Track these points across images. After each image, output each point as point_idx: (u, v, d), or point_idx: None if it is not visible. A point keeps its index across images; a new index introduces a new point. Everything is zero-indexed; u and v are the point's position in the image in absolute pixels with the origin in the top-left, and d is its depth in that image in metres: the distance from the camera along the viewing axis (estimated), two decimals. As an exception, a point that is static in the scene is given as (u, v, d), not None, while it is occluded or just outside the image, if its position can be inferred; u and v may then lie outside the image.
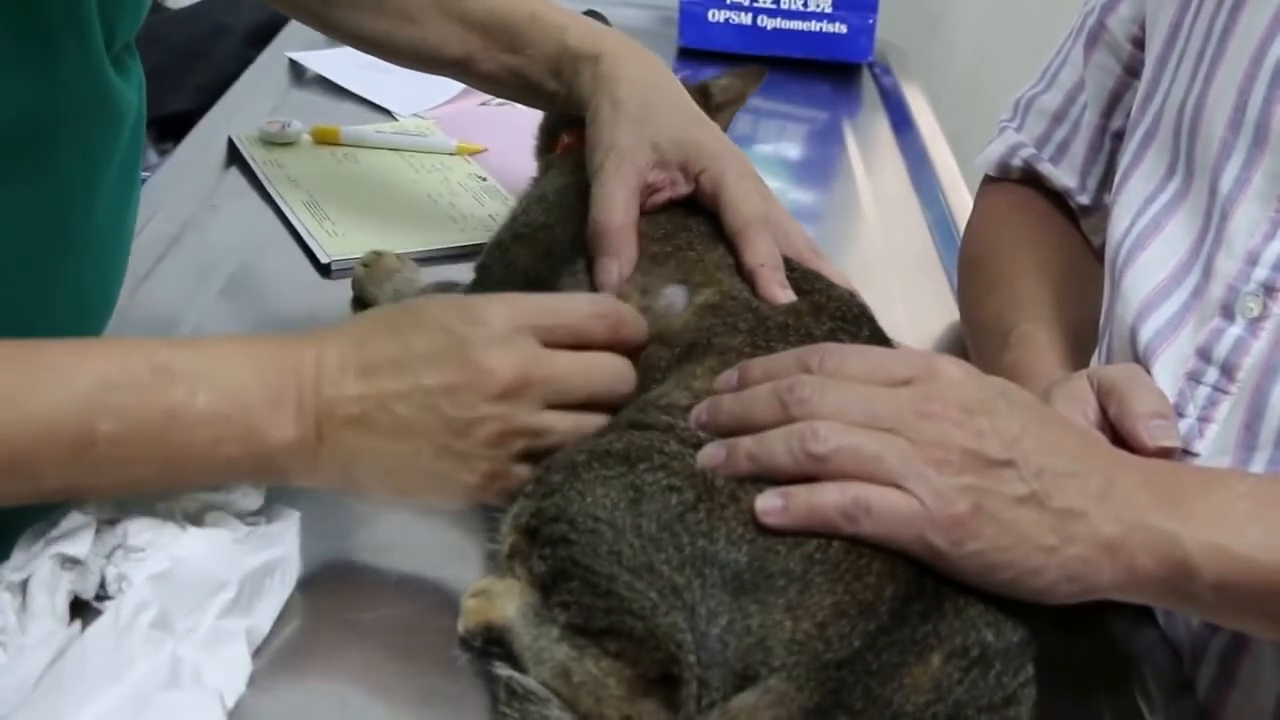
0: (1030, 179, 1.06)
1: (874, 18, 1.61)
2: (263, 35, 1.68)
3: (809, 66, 1.62)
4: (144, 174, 1.01)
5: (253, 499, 0.75)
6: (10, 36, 0.75)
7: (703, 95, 1.01)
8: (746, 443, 0.67)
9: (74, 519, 0.70)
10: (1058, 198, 1.04)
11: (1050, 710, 0.66)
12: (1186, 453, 0.77)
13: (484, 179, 1.24)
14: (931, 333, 1.10)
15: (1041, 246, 1.01)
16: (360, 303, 1.01)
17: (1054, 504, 0.64)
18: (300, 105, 1.38)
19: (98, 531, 0.71)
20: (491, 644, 0.70)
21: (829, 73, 1.62)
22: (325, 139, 1.27)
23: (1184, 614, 0.80)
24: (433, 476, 0.73)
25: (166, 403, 0.69)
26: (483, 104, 1.38)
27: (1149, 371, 0.80)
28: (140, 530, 0.71)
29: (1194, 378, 0.78)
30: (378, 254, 1.03)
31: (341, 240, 1.10)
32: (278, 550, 0.72)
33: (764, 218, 0.85)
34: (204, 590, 0.69)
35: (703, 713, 0.61)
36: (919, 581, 0.64)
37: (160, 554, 0.70)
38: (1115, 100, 1.00)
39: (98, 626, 0.66)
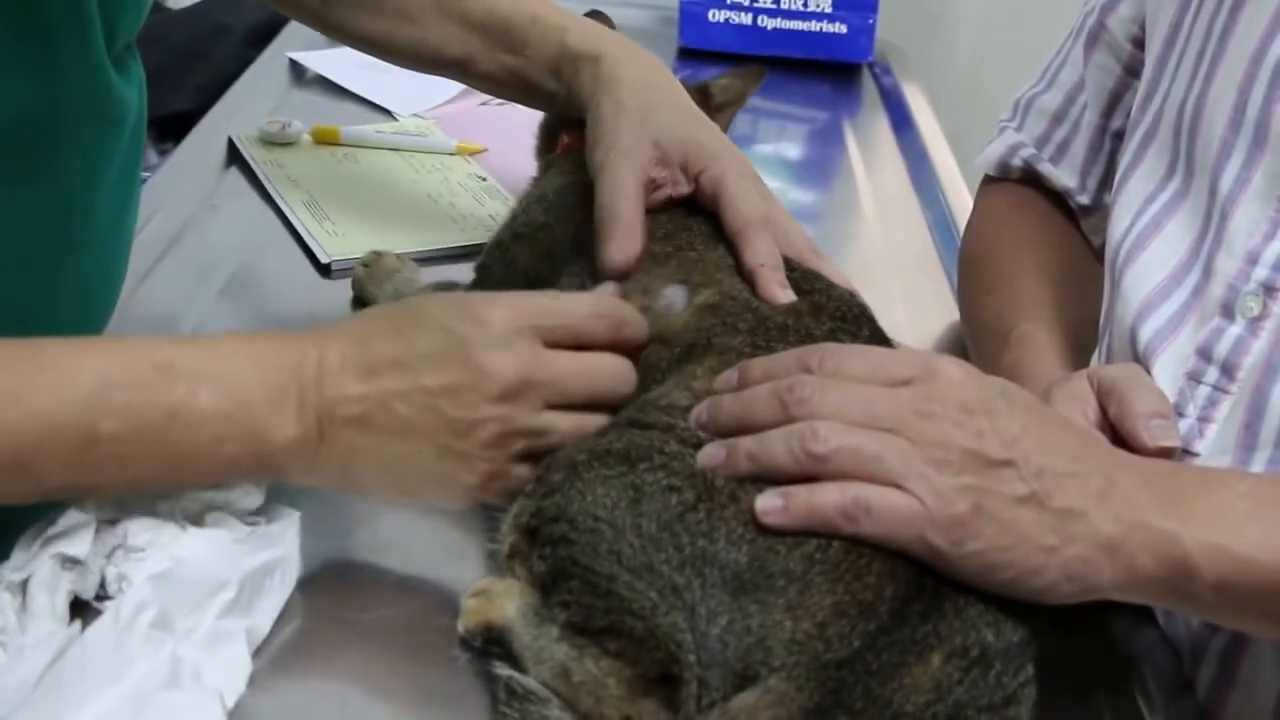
0: (1030, 179, 1.06)
1: (874, 18, 1.61)
2: (263, 35, 1.68)
3: (809, 66, 1.62)
4: (144, 174, 1.01)
5: (253, 497, 0.75)
6: (11, 37, 0.75)
7: (702, 96, 1.01)
8: (746, 443, 0.67)
9: (72, 517, 0.70)
10: (1058, 198, 1.04)
11: (1050, 710, 0.66)
12: (1186, 452, 0.77)
13: (484, 179, 1.24)
14: (931, 333, 1.10)
15: (1041, 246, 1.01)
16: (360, 303, 1.01)
17: (1054, 504, 0.64)
18: (300, 105, 1.38)
19: (97, 531, 0.71)
20: (491, 644, 0.70)
21: (829, 73, 1.62)
22: (325, 139, 1.27)
23: (1184, 614, 0.80)
24: (433, 476, 0.73)
25: (168, 401, 0.69)
26: (483, 104, 1.38)
27: (1149, 371, 0.80)
28: (140, 530, 0.71)
29: (1194, 377, 0.78)
30: (378, 254, 1.03)
31: (341, 240, 1.10)
32: (278, 550, 0.72)
33: (764, 218, 0.85)
34: (204, 590, 0.69)
35: (703, 712, 0.61)
36: (919, 581, 0.64)
37: (160, 554, 0.70)
38: (1115, 100, 1.00)
39: (98, 626, 0.66)
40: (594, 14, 1.05)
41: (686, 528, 0.65)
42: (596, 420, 0.74)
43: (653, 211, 0.87)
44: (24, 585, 0.68)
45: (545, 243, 0.90)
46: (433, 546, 0.79)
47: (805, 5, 1.60)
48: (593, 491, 0.67)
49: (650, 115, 0.90)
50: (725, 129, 1.00)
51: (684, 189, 0.88)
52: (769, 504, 0.65)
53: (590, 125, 0.92)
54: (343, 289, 1.03)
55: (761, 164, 0.95)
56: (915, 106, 1.53)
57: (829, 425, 0.66)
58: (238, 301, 1.04)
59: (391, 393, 0.71)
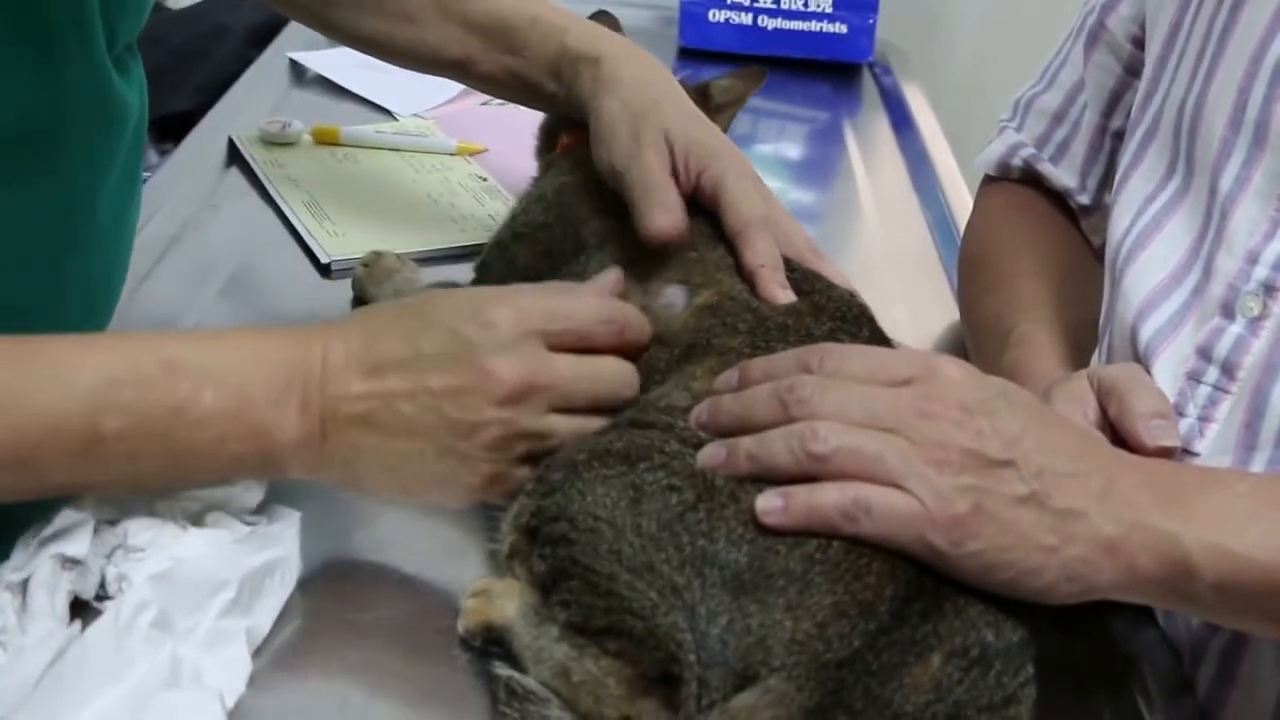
0: (1030, 179, 1.06)
1: (874, 18, 1.61)
2: (263, 35, 1.68)
3: (809, 66, 1.62)
4: (144, 174, 1.01)
5: (254, 493, 0.75)
6: (12, 38, 0.75)
7: (702, 96, 1.01)
8: (746, 443, 0.67)
9: (68, 516, 0.70)
10: (1058, 198, 1.04)
11: (1050, 710, 0.66)
12: (1187, 452, 0.77)
13: (484, 179, 1.24)
14: (931, 333, 1.10)
15: (1041, 246, 1.01)
16: (360, 303, 1.01)
17: (1054, 504, 0.64)
18: (300, 105, 1.38)
19: (97, 531, 0.71)
20: (491, 644, 0.70)
21: (829, 73, 1.62)
22: (325, 139, 1.27)
23: (1184, 614, 0.80)
24: (435, 476, 0.73)
25: (173, 399, 0.69)
26: (483, 104, 1.38)
27: (1149, 371, 0.80)
28: (140, 530, 0.71)
29: (1194, 377, 0.78)
30: (378, 254, 1.03)
31: (341, 240, 1.11)
32: (278, 550, 0.72)
33: (764, 218, 0.85)
34: (204, 590, 0.69)
35: (703, 712, 0.61)
36: (919, 581, 0.64)
37: (160, 554, 0.71)
38: (1115, 100, 1.00)
39: (98, 626, 0.66)
40: (600, 14, 1.05)
41: (686, 527, 0.65)
42: (598, 424, 0.74)
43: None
44: (24, 585, 0.68)
45: (545, 242, 0.90)
46: (433, 546, 0.79)
47: (805, 5, 1.60)
48: (593, 491, 0.67)
49: (652, 114, 0.90)
50: (725, 129, 1.00)
51: (684, 188, 0.88)
52: (769, 504, 0.65)
53: (592, 126, 0.92)
54: (343, 289, 1.03)
55: (761, 164, 0.95)
56: (915, 106, 1.53)
57: (829, 425, 0.66)
58: (238, 301, 1.04)
59: (395, 393, 0.71)
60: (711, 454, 0.68)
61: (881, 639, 0.62)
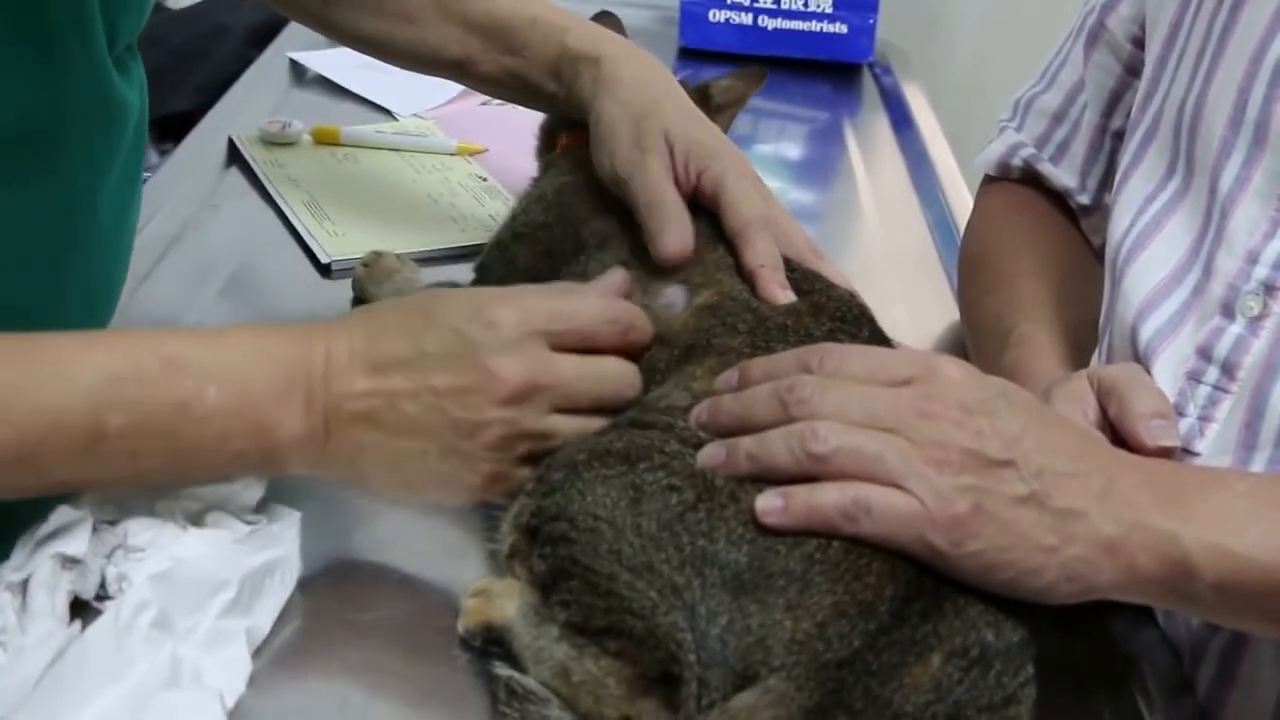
0: (1030, 179, 1.06)
1: (874, 18, 1.61)
2: (263, 35, 1.68)
3: (809, 66, 1.62)
4: (145, 174, 1.01)
5: (254, 491, 0.75)
6: (12, 38, 0.75)
7: (703, 97, 1.01)
8: (746, 443, 0.67)
9: (64, 514, 0.70)
10: (1058, 198, 1.04)
11: (1050, 710, 0.66)
12: (1187, 452, 0.77)
13: (484, 179, 1.24)
14: (931, 333, 1.10)
15: (1041, 246, 1.01)
16: (360, 303, 1.01)
17: (1054, 504, 0.64)
18: (300, 105, 1.38)
19: (97, 531, 0.71)
20: (491, 644, 0.70)
21: (829, 73, 1.62)
22: (325, 139, 1.27)
23: (1184, 614, 0.80)
24: (437, 475, 0.73)
25: (176, 396, 0.69)
26: (483, 104, 1.38)
27: (1149, 371, 0.80)
28: (140, 530, 0.71)
29: (1194, 377, 0.78)
30: (378, 254, 1.03)
31: (341, 240, 1.11)
32: (278, 550, 0.72)
33: (764, 218, 0.85)
34: (204, 590, 0.69)
35: (702, 712, 0.61)
36: (919, 581, 0.64)
37: (160, 554, 0.71)
38: (1115, 100, 1.00)
39: (98, 626, 0.66)
40: (603, 15, 1.05)
41: (686, 527, 0.65)
42: (601, 424, 0.74)
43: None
44: (24, 585, 0.68)
45: (545, 242, 0.90)
46: (433, 546, 0.79)
47: (806, 5, 1.60)
48: (593, 491, 0.67)
49: (652, 115, 0.90)
50: (726, 130, 1.00)
51: (684, 188, 0.88)
52: (769, 504, 0.65)
53: (592, 126, 0.92)
54: (343, 289, 1.03)
55: (761, 164, 0.95)
56: (915, 106, 1.53)
57: (829, 425, 0.66)
58: (238, 301, 1.04)
59: (399, 391, 0.71)
60: (711, 454, 0.68)
61: (881, 639, 0.62)
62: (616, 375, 0.76)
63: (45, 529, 0.70)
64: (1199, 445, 0.77)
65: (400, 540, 0.79)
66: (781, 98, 1.54)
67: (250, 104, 1.35)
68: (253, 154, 1.24)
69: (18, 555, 0.69)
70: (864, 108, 1.57)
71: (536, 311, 0.74)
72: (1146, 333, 0.81)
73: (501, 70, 1.01)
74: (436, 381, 0.71)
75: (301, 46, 1.48)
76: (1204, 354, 0.78)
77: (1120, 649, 0.79)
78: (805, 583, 0.63)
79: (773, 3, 1.61)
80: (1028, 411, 0.68)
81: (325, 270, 1.07)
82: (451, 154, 1.28)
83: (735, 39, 1.62)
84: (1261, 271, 0.77)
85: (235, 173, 1.23)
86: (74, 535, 0.69)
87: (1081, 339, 0.91)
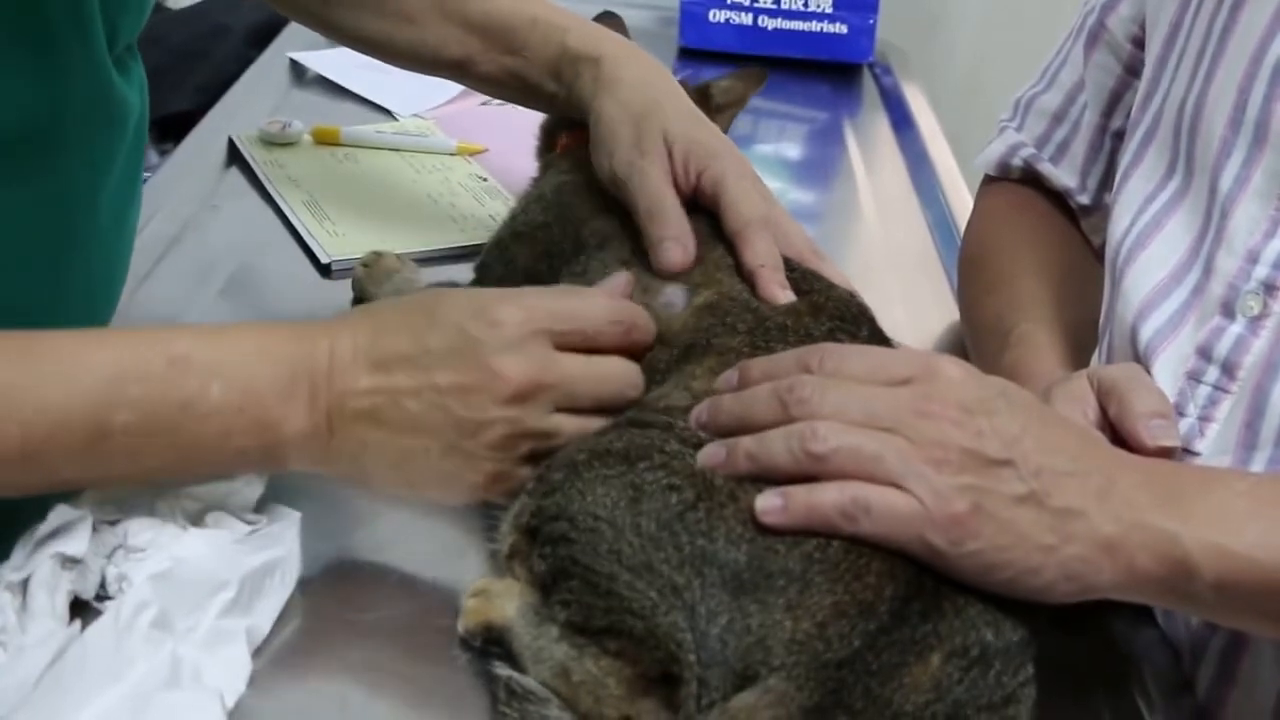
0: (1030, 179, 1.06)
1: (874, 18, 1.61)
2: (263, 35, 1.68)
3: (809, 66, 1.62)
4: (145, 174, 1.01)
5: (254, 488, 0.75)
6: (12, 38, 0.75)
7: (703, 97, 1.01)
8: (746, 442, 0.67)
9: (63, 512, 0.70)
10: (1058, 198, 1.04)
11: (1050, 710, 0.66)
12: (1187, 452, 0.77)
13: (484, 179, 1.24)
14: (931, 333, 1.10)
15: (1041, 246, 1.01)
16: (360, 303, 1.01)
17: (1053, 503, 0.64)
18: (300, 105, 1.38)
19: (97, 531, 0.71)
20: (491, 644, 0.70)
21: (829, 73, 1.62)
22: (325, 139, 1.28)
23: (1183, 613, 0.80)
24: (439, 474, 0.73)
25: (180, 394, 0.69)
26: (483, 104, 1.38)
27: (1149, 370, 0.80)
28: (140, 530, 0.71)
29: (1194, 376, 0.78)
30: (378, 254, 1.03)
31: (341, 240, 1.11)
32: (278, 550, 0.72)
33: (764, 218, 0.85)
34: (204, 590, 0.69)
35: (702, 712, 0.61)
36: (918, 581, 0.64)
37: (160, 554, 0.71)
38: (1115, 100, 1.00)
39: (98, 626, 0.66)
40: (606, 15, 1.05)
41: (686, 527, 0.65)
42: (602, 424, 0.74)
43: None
44: (24, 585, 0.68)
45: (544, 242, 0.90)
46: (433, 546, 0.79)
47: (805, 5, 1.60)
48: (592, 491, 0.67)
49: (652, 114, 0.90)
50: (725, 130, 1.00)
51: (684, 188, 0.88)
52: (768, 503, 0.65)
53: (592, 127, 0.92)
54: (343, 289, 1.03)
55: (761, 164, 0.95)
56: (915, 106, 1.53)
57: (828, 425, 0.66)
58: (238, 301, 1.04)
59: (402, 389, 0.72)
60: (711, 454, 0.68)
61: (881, 639, 0.62)
62: (619, 375, 0.76)
63: (45, 529, 0.70)
64: (1199, 445, 0.77)
65: (400, 540, 0.79)
66: (781, 98, 1.54)
67: (250, 104, 1.35)
68: (253, 154, 1.24)
69: (18, 555, 0.69)
70: (864, 108, 1.57)
71: (540, 311, 0.74)
72: (1146, 332, 0.81)
73: (501, 70, 1.01)
74: (440, 379, 0.72)
75: (301, 46, 1.48)
76: (1204, 354, 0.78)
77: (1120, 648, 0.79)
78: (805, 582, 0.63)
79: (773, 3, 1.61)
80: (1027, 411, 0.68)
81: (325, 270, 1.07)
82: (451, 154, 1.29)
83: (735, 39, 1.62)
84: (1262, 271, 0.77)
85: (235, 173, 1.23)
86: (74, 535, 0.70)
87: (1081, 339, 0.91)
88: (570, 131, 0.99)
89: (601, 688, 0.64)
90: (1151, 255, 0.84)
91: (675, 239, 0.83)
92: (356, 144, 1.28)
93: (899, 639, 0.63)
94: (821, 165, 1.46)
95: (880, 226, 1.29)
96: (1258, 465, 0.75)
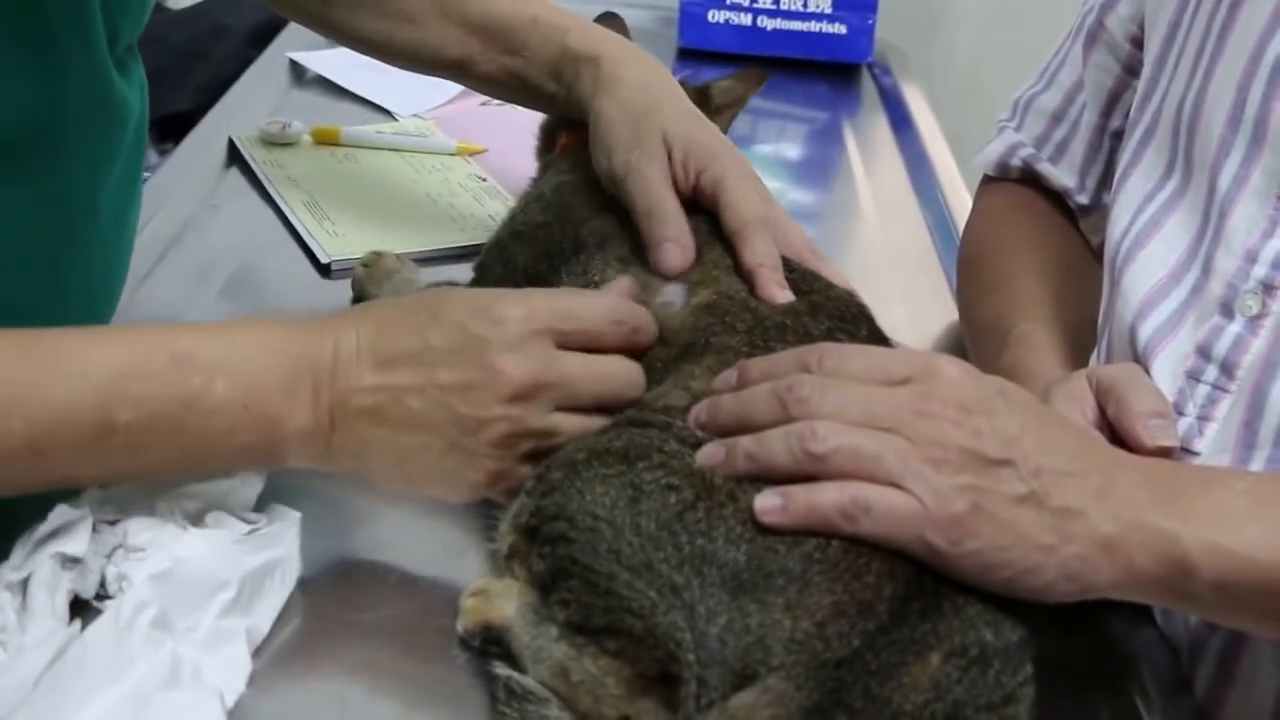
0: (1029, 179, 1.06)
1: (874, 18, 1.61)
2: (263, 35, 1.68)
3: (809, 67, 1.62)
4: (145, 174, 1.01)
5: (254, 486, 0.75)
6: (12, 38, 0.75)
7: (703, 98, 1.01)
8: (745, 442, 0.67)
9: (63, 512, 0.70)
10: (1057, 197, 1.04)
11: (1049, 709, 0.66)
12: (1186, 451, 0.77)
13: (484, 179, 1.24)
14: (931, 333, 1.10)
15: (1040, 246, 1.01)
16: (360, 303, 1.01)
17: (1052, 503, 0.64)
18: (300, 105, 1.38)
19: (97, 531, 0.71)
20: (490, 643, 0.70)
21: (829, 73, 1.62)
22: (325, 139, 1.28)
23: (1182, 613, 0.80)
24: (440, 471, 0.73)
25: (184, 391, 0.69)
26: (483, 104, 1.38)
27: (1148, 370, 0.80)
28: (140, 530, 0.71)
29: (1193, 376, 0.78)
30: (378, 254, 1.03)
31: (341, 240, 1.11)
32: (278, 550, 0.72)
33: (763, 218, 0.85)
34: (204, 590, 0.69)
35: (702, 712, 0.61)
36: (918, 581, 0.64)
37: (160, 554, 0.71)
38: (1114, 100, 1.00)
39: (98, 626, 0.66)
40: (607, 15, 1.05)
41: (685, 526, 0.65)
42: (603, 423, 0.74)
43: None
44: (24, 584, 0.68)
45: (544, 241, 0.90)
46: (433, 546, 0.79)
47: (805, 6, 1.61)
48: (592, 490, 0.67)
49: (652, 114, 0.90)
50: (725, 131, 1.00)
51: (684, 188, 0.88)
52: (768, 503, 0.65)
53: (592, 127, 0.92)
54: (343, 289, 1.03)
55: (761, 164, 0.95)
56: (915, 106, 1.53)
57: (828, 425, 0.66)
58: (238, 301, 1.04)
59: (405, 387, 0.72)
60: (710, 453, 0.68)
61: (880, 638, 0.62)
62: (621, 375, 0.76)
63: (45, 528, 0.70)
64: (1198, 444, 0.77)
65: (400, 540, 0.79)
66: (781, 98, 1.54)
67: (250, 104, 1.35)
68: (253, 154, 1.24)
69: (18, 555, 0.69)
70: (863, 108, 1.57)
71: (542, 310, 0.74)
72: (1145, 332, 0.81)
73: (501, 70, 1.01)
74: (442, 377, 0.72)
75: (301, 46, 1.48)
76: (1203, 353, 0.78)
77: (1119, 648, 0.79)
78: (804, 582, 0.63)
79: (772, 3, 1.61)
80: (1026, 411, 0.68)
81: (325, 270, 1.08)
82: (451, 154, 1.29)
83: (734, 39, 1.62)
84: (1260, 270, 0.77)
85: (235, 173, 1.23)
86: (74, 535, 0.70)
87: (1080, 338, 0.91)
88: (570, 131, 0.99)
89: (601, 687, 0.64)
90: (1150, 255, 0.84)
91: (674, 240, 0.83)
92: (356, 144, 1.28)
93: (898, 638, 0.63)
94: (821, 165, 1.46)
95: (879, 227, 1.29)
96: (1257, 464, 0.75)
